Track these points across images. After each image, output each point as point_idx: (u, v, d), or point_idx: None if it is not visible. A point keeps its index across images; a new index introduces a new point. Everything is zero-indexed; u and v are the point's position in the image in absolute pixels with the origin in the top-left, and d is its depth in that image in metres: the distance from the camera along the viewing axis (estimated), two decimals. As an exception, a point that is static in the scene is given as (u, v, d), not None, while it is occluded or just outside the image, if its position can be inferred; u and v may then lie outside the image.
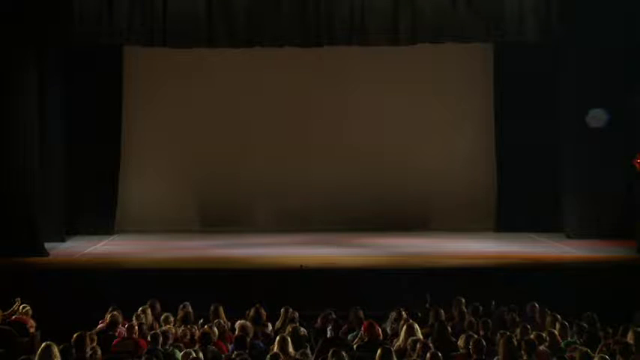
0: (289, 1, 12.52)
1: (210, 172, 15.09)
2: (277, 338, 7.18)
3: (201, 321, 8.49)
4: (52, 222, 13.12)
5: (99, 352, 6.93)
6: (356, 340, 7.76)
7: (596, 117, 12.99)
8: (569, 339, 7.63)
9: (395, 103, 15.06)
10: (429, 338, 7.55)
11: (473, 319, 8.32)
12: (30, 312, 8.78)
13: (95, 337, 7.54)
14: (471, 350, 6.97)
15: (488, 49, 14.73)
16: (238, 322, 8.02)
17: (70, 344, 7.16)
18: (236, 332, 7.79)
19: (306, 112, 15.08)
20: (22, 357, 6.48)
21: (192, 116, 15.08)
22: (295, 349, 7.07)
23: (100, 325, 8.16)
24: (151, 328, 8.18)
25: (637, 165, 11.70)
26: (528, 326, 7.89)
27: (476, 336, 7.20)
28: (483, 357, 6.92)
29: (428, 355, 6.63)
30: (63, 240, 13.43)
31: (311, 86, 15.08)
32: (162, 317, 8.46)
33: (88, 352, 6.93)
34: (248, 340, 7.47)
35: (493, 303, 9.08)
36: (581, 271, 10.95)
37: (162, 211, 14.98)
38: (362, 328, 7.76)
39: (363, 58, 14.48)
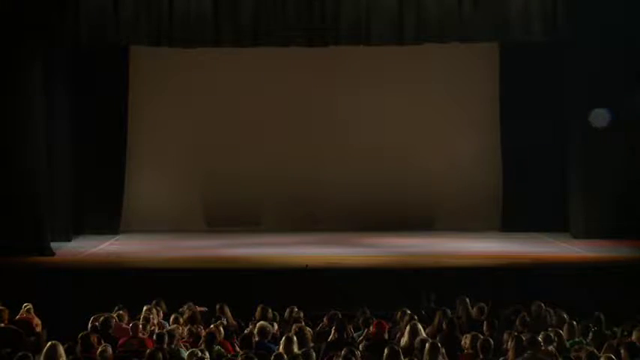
0: (295, 1, 12.53)
1: (216, 172, 15.09)
2: (282, 338, 7.20)
3: (214, 318, 8.49)
4: (58, 221, 13.16)
5: (109, 350, 6.95)
6: (361, 339, 7.76)
7: (600, 117, 12.96)
8: (575, 339, 7.62)
9: (400, 103, 15.04)
10: (436, 338, 7.55)
11: (479, 319, 8.32)
12: (31, 310, 8.79)
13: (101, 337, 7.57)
14: (477, 350, 6.97)
15: (494, 48, 14.71)
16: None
17: (75, 343, 7.20)
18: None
19: (312, 113, 15.06)
20: (23, 355, 6.48)
21: (197, 116, 15.08)
22: (300, 348, 7.08)
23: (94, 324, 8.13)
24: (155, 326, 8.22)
25: None
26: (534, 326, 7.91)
27: (482, 336, 7.20)
28: (490, 357, 6.92)
29: (427, 346, 6.66)
30: (69, 239, 13.45)
31: (315, 86, 15.06)
32: (172, 317, 8.48)
33: (99, 351, 6.94)
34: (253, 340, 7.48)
35: (495, 302, 9.06)
36: (587, 271, 10.92)
37: (168, 211, 15.00)
38: (370, 328, 7.76)
39: (368, 58, 14.46)
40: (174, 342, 7.38)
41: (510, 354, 6.88)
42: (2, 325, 8.30)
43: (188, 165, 15.26)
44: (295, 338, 7.20)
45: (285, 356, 6.74)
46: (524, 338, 6.95)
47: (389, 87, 14.94)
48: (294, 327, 7.83)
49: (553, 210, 14.15)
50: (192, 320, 8.32)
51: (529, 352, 6.75)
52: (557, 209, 14.11)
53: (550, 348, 7.07)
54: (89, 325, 8.03)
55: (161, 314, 8.79)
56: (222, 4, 12.56)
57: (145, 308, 8.59)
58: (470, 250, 12.74)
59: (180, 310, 8.74)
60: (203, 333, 7.70)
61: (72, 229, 13.74)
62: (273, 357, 6.71)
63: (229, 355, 7.17)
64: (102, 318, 8.03)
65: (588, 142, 13.27)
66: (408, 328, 7.55)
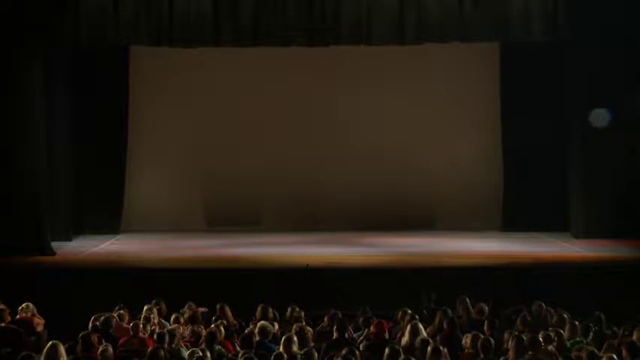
0: (295, 1, 12.53)
1: (216, 172, 15.10)
2: (283, 338, 7.20)
3: (214, 318, 8.50)
4: (58, 221, 13.16)
5: (110, 350, 6.95)
6: (361, 339, 7.76)
7: (600, 117, 12.96)
8: (576, 338, 7.62)
9: (400, 103, 15.05)
10: (437, 337, 7.55)
11: (479, 319, 8.32)
12: (25, 310, 8.78)
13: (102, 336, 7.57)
14: (478, 350, 6.97)
15: (494, 48, 14.71)
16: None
17: (76, 343, 7.21)
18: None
19: (312, 113, 15.06)
20: (26, 355, 6.48)
21: (197, 116, 15.09)
22: (300, 348, 7.08)
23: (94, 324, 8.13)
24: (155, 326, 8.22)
25: None
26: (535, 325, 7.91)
27: (482, 336, 7.20)
28: (491, 357, 6.92)
29: (429, 349, 6.65)
30: (70, 239, 13.45)
31: (315, 86, 15.05)
32: (173, 317, 8.50)
33: (100, 350, 6.94)
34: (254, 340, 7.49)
35: (496, 302, 9.06)
36: (588, 271, 10.93)
37: (168, 211, 15.00)
38: (371, 327, 7.76)
39: (368, 58, 14.46)
40: (175, 342, 7.38)
41: (511, 354, 6.87)
42: (3, 324, 8.30)
43: (188, 165, 15.26)
44: (296, 338, 7.20)
45: (286, 356, 6.74)
46: (524, 338, 6.95)
47: (389, 87, 14.94)
48: (294, 327, 7.83)
49: (553, 210, 14.15)
50: (192, 320, 8.33)
51: (530, 353, 6.75)
52: (557, 209, 14.11)
53: (550, 347, 7.07)
54: (90, 325, 8.03)
55: (162, 314, 8.79)
56: (223, 4, 12.55)
57: (145, 308, 8.60)
58: (470, 249, 12.74)
59: (181, 310, 8.75)
60: (204, 333, 7.70)
61: (72, 229, 13.74)
62: (273, 357, 6.71)
63: (230, 355, 7.18)
64: (102, 318, 8.04)
65: (588, 142, 13.27)
66: (408, 327, 7.55)
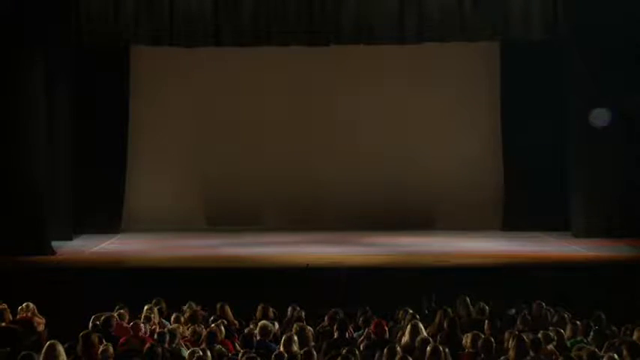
0: (296, 1, 12.54)
1: (217, 172, 15.12)
2: (283, 337, 7.20)
3: (212, 318, 8.49)
4: (59, 221, 13.16)
5: (110, 350, 6.95)
6: (362, 339, 7.76)
7: (600, 116, 12.97)
8: (577, 338, 7.62)
9: (401, 102, 15.06)
10: (437, 337, 7.55)
11: (479, 318, 8.32)
12: (27, 310, 8.78)
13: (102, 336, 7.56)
14: (478, 349, 6.97)
15: (494, 48, 14.72)
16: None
17: (76, 342, 7.20)
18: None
19: (312, 113, 15.08)
20: (26, 354, 6.48)
21: (197, 116, 15.11)
22: (300, 348, 7.08)
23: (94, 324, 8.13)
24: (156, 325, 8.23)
25: None
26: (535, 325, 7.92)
27: (483, 335, 7.20)
28: (491, 356, 6.92)
29: (428, 349, 6.65)
30: (70, 238, 13.46)
31: (315, 86, 15.07)
32: (173, 317, 8.50)
33: (100, 350, 6.94)
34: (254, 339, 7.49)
35: (496, 302, 9.07)
36: (588, 271, 10.93)
37: (168, 210, 15.00)
38: (370, 327, 7.77)
39: (369, 58, 14.46)
40: (176, 341, 7.38)
41: (511, 353, 6.87)
42: (3, 324, 8.30)
43: (188, 164, 15.27)
44: (296, 337, 7.20)
45: (286, 355, 6.74)
46: (525, 338, 6.95)
47: (389, 87, 14.95)
48: (295, 326, 7.83)
49: (554, 209, 14.16)
50: (192, 319, 8.33)
51: (532, 354, 6.74)
52: (557, 208, 14.12)
53: (550, 347, 7.07)
54: (90, 325, 8.03)
55: (163, 313, 8.79)
56: (223, 4, 12.59)
57: (145, 307, 8.60)
58: (470, 249, 12.74)
59: (182, 309, 8.75)
60: (204, 332, 7.70)
61: (73, 229, 13.74)
62: (273, 356, 6.71)
63: (230, 355, 7.18)
64: (103, 317, 8.02)
65: (588, 142, 13.28)
66: (409, 327, 7.55)
